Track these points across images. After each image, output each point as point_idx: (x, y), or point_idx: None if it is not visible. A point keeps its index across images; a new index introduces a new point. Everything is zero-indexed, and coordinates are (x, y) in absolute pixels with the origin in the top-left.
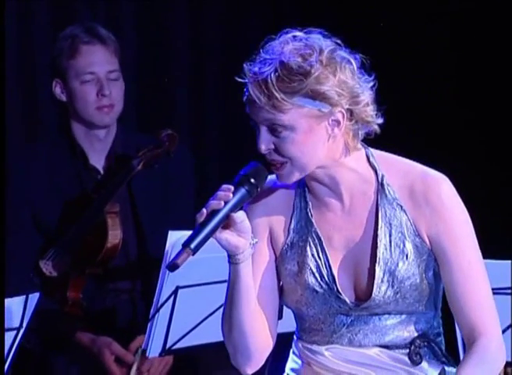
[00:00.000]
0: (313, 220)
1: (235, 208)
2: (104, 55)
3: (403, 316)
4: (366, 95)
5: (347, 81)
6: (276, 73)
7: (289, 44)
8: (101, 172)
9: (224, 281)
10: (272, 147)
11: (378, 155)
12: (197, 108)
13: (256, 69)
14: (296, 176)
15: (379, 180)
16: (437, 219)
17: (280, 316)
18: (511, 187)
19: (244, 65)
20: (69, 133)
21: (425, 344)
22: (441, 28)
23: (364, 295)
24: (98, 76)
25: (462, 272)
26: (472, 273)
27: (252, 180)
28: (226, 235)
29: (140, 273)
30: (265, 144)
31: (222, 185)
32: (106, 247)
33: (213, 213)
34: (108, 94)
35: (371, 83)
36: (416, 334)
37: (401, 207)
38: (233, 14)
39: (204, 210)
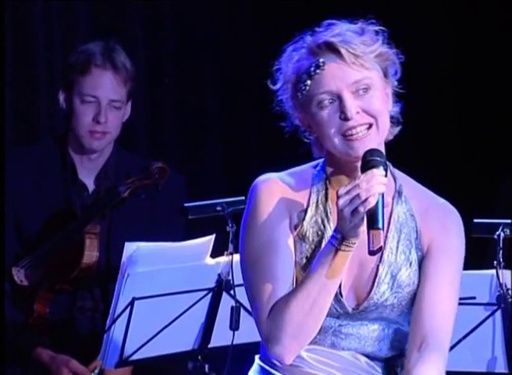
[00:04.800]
0: (331, 217)
1: None
2: (112, 82)
3: (391, 331)
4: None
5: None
6: (360, 37)
7: (352, 24)
8: (89, 190)
9: (179, 292)
10: (359, 110)
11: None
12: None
13: (337, 35)
14: (376, 141)
15: (397, 187)
16: (442, 237)
17: (237, 327)
18: None
19: (319, 35)
20: (63, 144)
21: (402, 364)
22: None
23: (362, 299)
24: (100, 101)
25: (436, 288)
26: (444, 293)
27: (383, 160)
28: None
29: (110, 296)
30: (354, 107)
31: (373, 172)
32: (80, 266)
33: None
34: (104, 121)
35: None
36: (397, 353)
37: (413, 217)
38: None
39: (376, 193)
